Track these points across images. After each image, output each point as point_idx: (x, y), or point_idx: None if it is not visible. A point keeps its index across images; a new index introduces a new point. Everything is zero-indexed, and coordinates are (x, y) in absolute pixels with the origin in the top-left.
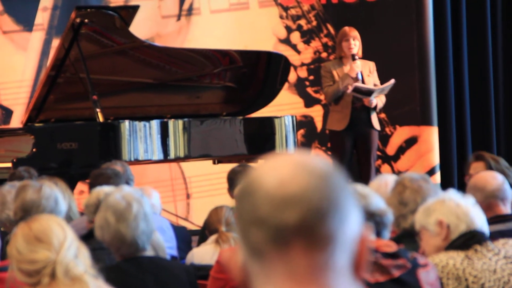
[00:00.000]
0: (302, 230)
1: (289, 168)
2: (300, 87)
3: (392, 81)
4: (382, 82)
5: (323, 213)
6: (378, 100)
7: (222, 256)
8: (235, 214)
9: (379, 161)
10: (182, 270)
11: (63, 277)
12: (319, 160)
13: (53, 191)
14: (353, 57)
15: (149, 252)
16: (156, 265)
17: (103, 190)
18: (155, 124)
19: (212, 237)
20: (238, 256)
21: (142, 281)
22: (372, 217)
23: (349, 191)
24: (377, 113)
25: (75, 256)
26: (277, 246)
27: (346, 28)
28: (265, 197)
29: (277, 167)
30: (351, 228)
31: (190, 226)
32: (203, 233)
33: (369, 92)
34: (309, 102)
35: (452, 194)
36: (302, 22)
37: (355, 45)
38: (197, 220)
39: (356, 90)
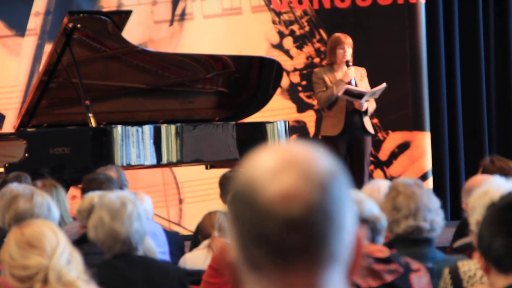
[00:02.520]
0: (305, 252)
1: (291, 176)
2: (292, 92)
3: (384, 85)
4: (373, 88)
5: (326, 235)
6: (369, 105)
7: (215, 246)
8: (232, 220)
9: (372, 166)
10: (172, 271)
11: (55, 283)
12: (321, 159)
13: (44, 199)
14: (347, 63)
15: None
16: (146, 264)
17: (96, 195)
18: (147, 129)
19: (205, 242)
20: (231, 255)
21: (131, 279)
22: (366, 223)
23: (349, 199)
24: (370, 118)
25: (68, 262)
26: (277, 263)
27: (341, 36)
28: (268, 214)
29: (278, 173)
30: (348, 239)
31: (183, 231)
32: (196, 238)
33: (360, 95)
34: (302, 107)
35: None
36: (295, 27)
37: (350, 52)
38: (189, 225)
39: (347, 92)
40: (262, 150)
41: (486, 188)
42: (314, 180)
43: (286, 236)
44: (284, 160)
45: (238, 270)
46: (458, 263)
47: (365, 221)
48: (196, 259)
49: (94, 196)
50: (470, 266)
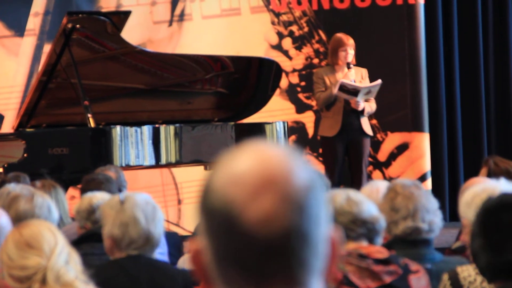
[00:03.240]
0: (284, 275)
1: (269, 197)
2: (291, 93)
3: (379, 81)
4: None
5: (305, 256)
6: (367, 105)
7: (189, 249)
8: (207, 237)
9: (371, 167)
10: (178, 275)
11: (54, 283)
12: (298, 170)
13: (45, 200)
14: (348, 65)
15: None
16: (152, 265)
17: (95, 196)
18: (146, 129)
19: None
20: (204, 259)
21: (137, 280)
22: (365, 224)
23: (325, 210)
24: (368, 118)
25: (66, 262)
26: (256, 286)
27: (343, 37)
28: (248, 240)
29: (256, 195)
30: (323, 249)
31: (182, 232)
32: None
33: (355, 91)
34: (301, 108)
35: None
36: (294, 28)
37: (352, 54)
38: (188, 226)
39: (342, 88)
40: (236, 157)
41: (465, 200)
42: (292, 200)
43: (266, 261)
44: (261, 176)
45: (211, 276)
46: (457, 268)
47: (364, 222)
48: None
49: (93, 196)
50: (470, 271)
